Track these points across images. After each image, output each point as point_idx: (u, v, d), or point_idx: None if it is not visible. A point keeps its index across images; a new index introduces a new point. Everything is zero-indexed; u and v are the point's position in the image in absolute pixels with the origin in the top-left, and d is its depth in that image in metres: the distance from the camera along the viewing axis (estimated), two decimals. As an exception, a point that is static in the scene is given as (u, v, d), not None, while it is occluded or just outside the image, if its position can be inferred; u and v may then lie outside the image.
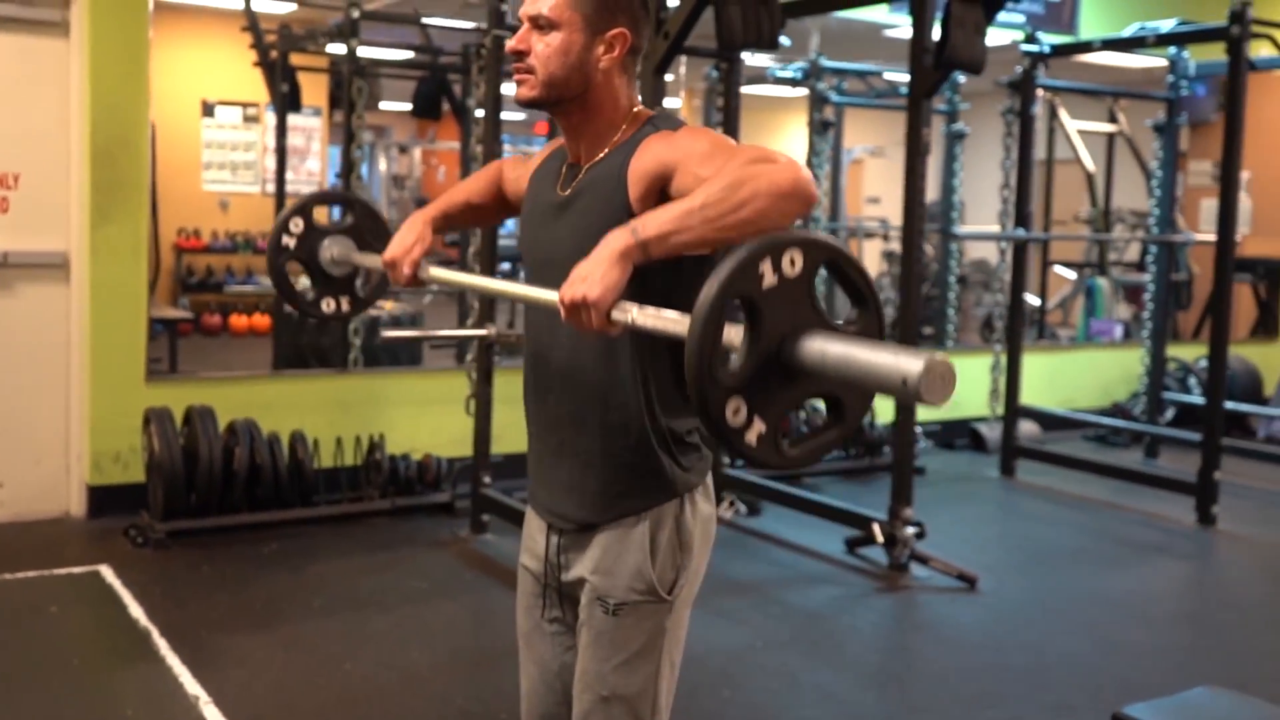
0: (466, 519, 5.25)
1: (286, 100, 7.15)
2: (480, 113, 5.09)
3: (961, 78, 7.20)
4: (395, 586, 4.53)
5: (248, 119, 10.02)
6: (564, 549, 1.98)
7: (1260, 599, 4.92)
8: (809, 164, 7.46)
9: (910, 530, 4.82)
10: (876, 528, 4.86)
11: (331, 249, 2.35)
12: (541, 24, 1.86)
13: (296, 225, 2.34)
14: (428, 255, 2.15)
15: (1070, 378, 7.88)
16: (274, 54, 7.25)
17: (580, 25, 1.86)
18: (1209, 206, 9.37)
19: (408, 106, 7.95)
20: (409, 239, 2.14)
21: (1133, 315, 9.25)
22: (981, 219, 10.14)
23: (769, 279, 1.38)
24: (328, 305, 2.40)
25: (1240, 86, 5.40)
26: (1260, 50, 6.96)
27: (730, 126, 5.42)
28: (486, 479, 5.13)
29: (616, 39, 1.88)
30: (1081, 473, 6.49)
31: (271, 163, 10.11)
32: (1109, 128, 9.55)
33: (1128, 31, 6.28)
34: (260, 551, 4.84)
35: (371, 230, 2.39)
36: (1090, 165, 9.22)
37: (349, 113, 6.11)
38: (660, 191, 1.80)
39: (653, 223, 1.64)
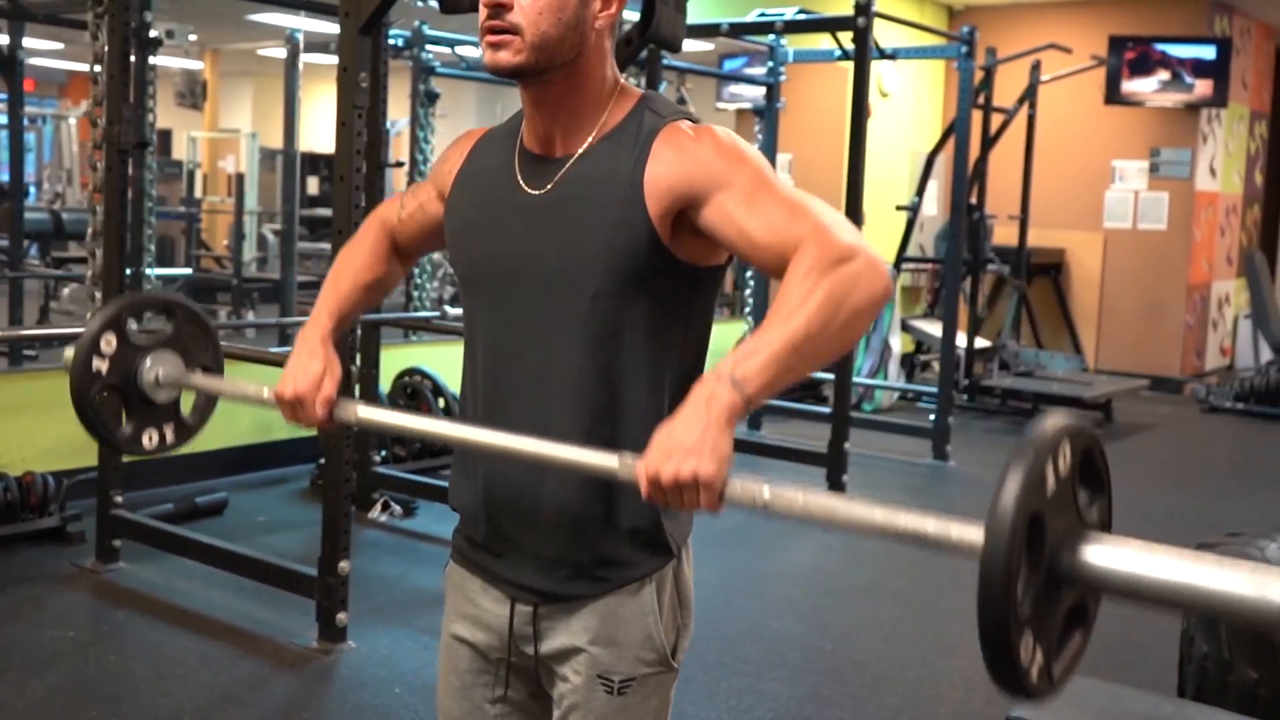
0: (84, 546, 4.48)
1: None
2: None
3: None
4: (33, 639, 3.75)
5: None
6: (541, 618, 1.62)
7: (918, 561, 5.19)
8: (414, 137, 7.05)
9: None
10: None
11: (156, 369, 1.81)
12: None
13: (109, 343, 1.76)
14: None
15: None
16: None
17: None
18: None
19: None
20: (314, 368, 1.63)
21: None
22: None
23: (1050, 485, 1.14)
24: (149, 439, 1.84)
25: (865, 74, 5.65)
26: (807, 43, 7.38)
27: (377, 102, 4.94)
28: (119, 498, 4.37)
29: None
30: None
31: None
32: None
33: (751, 16, 6.42)
34: None
35: (195, 339, 1.86)
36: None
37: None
38: (679, 213, 1.49)
39: (752, 369, 1.32)
